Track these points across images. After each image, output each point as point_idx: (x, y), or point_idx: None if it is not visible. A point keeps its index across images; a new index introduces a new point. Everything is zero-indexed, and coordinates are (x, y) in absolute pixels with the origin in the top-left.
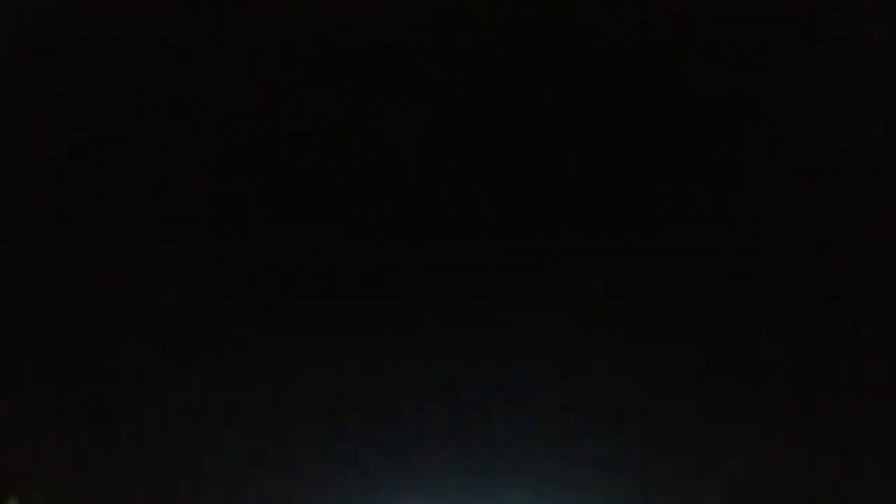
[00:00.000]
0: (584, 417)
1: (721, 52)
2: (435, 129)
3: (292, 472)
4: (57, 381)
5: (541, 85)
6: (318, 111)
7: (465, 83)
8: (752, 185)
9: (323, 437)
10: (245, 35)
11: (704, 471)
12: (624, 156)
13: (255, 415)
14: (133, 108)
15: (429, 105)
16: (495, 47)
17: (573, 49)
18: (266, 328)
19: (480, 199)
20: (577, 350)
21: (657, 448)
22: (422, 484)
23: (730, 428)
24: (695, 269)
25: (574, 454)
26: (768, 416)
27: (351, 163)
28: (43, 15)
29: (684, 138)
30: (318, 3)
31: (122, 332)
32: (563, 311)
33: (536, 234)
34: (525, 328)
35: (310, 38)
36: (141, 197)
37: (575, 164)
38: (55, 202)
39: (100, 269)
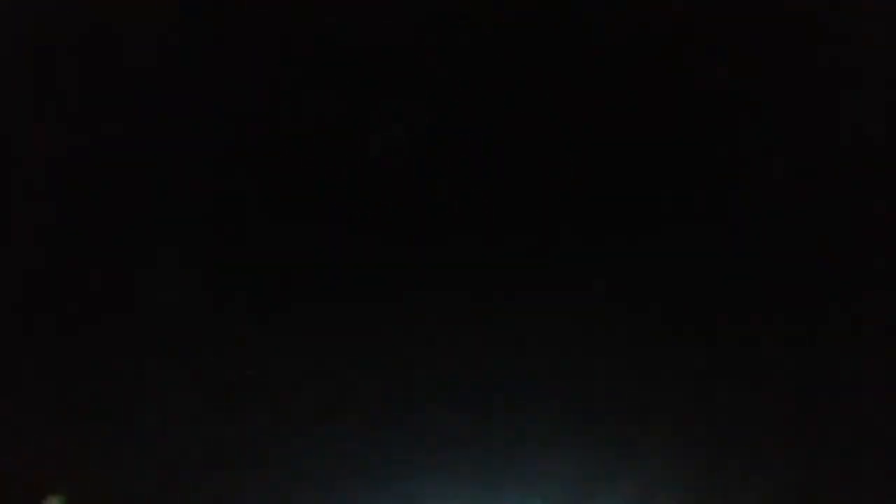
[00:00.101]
0: (584, 417)
1: (721, 52)
2: (435, 129)
3: (292, 472)
4: (57, 381)
5: (541, 85)
6: (318, 111)
7: (465, 83)
8: (752, 185)
9: (323, 437)
10: (245, 35)
11: (704, 471)
12: (624, 156)
13: (254, 415)
14: (133, 108)
15: (429, 105)
16: (495, 47)
17: (573, 49)
18: (266, 328)
19: (480, 199)
20: (577, 350)
21: (657, 448)
22: (422, 484)
23: (730, 428)
24: (695, 269)
25: (574, 454)
26: (768, 416)
27: (351, 163)
28: (43, 15)
29: (684, 138)
30: (318, 3)
31: (122, 332)
32: (563, 311)
33: (536, 234)
34: (525, 328)
35: (310, 38)
36: (141, 197)
37: (575, 165)
38: (55, 202)
39: (100, 269)
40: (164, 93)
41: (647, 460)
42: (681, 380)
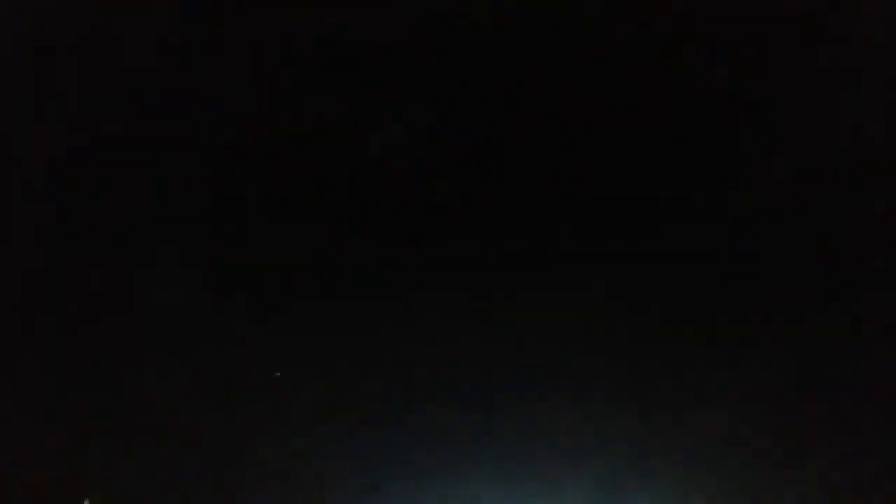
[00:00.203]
0: (584, 417)
1: (721, 52)
2: (435, 130)
3: (292, 471)
4: (57, 381)
5: (541, 85)
6: (318, 111)
7: (465, 84)
8: (752, 185)
9: (323, 436)
10: (245, 35)
11: (704, 470)
12: (624, 156)
13: (254, 414)
14: (133, 108)
15: (429, 105)
16: (495, 47)
17: (573, 49)
18: (266, 328)
19: (480, 199)
20: (577, 350)
21: (657, 448)
22: (422, 484)
23: (729, 428)
24: (695, 269)
25: (574, 454)
26: (768, 416)
27: (351, 163)
28: (43, 15)
29: (684, 138)
30: (318, 3)
31: (122, 332)
32: (563, 311)
33: (536, 234)
34: (525, 328)
35: (310, 38)
36: (141, 197)
37: (575, 165)
38: (55, 202)
39: (100, 269)
40: (164, 93)
41: (647, 460)
42: (681, 380)
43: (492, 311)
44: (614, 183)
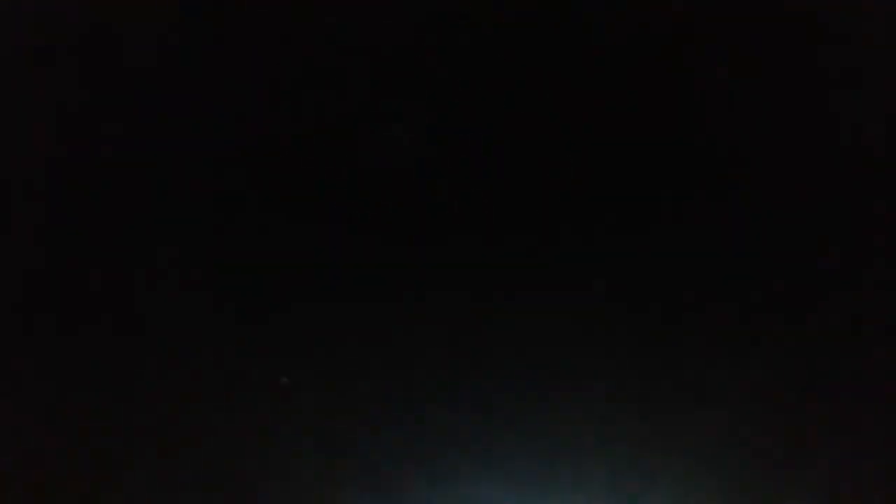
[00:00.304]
0: (584, 417)
1: (721, 52)
2: (435, 129)
3: (292, 472)
4: (57, 381)
5: (541, 85)
6: (318, 111)
7: (465, 83)
8: (752, 185)
9: (323, 436)
10: (245, 35)
11: (704, 470)
12: (624, 156)
13: (254, 415)
14: (133, 108)
15: (429, 105)
16: (495, 47)
17: (573, 49)
18: (266, 328)
19: (480, 199)
20: (577, 350)
21: (657, 448)
22: (422, 484)
23: (729, 428)
24: (695, 269)
25: (574, 454)
26: (768, 416)
27: (351, 163)
28: (43, 15)
29: (684, 138)
30: (318, 3)
31: (122, 332)
32: (563, 311)
33: (536, 234)
34: (525, 328)
35: (310, 38)
36: (141, 197)
37: (575, 165)
38: (55, 202)
39: (100, 269)
40: (164, 93)
41: (647, 460)
42: (681, 380)
43: (492, 311)
44: (614, 183)
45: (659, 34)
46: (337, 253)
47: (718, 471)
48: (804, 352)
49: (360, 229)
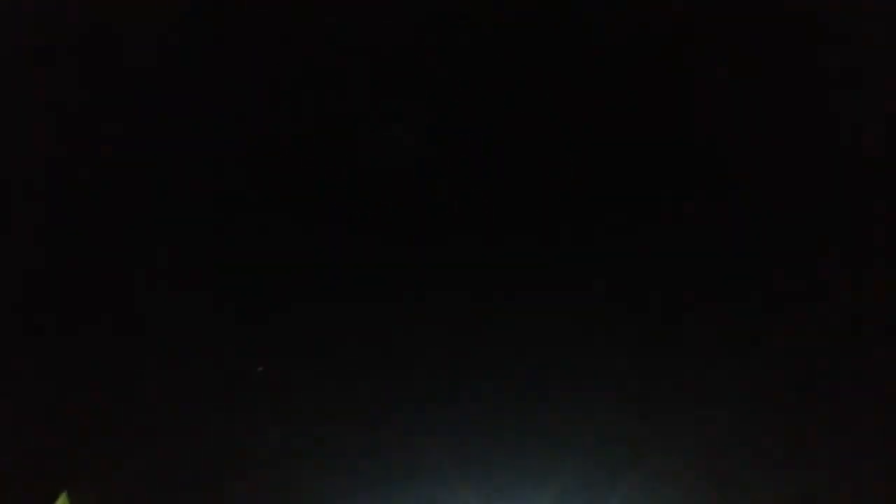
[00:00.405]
0: (584, 417)
1: (721, 52)
2: (435, 129)
3: (292, 472)
4: (57, 381)
5: (541, 85)
6: (319, 111)
7: (465, 83)
8: (752, 185)
9: (323, 436)
10: (245, 35)
11: (704, 470)
12: (624, 156)
13: (254, 415)
14: (133, 108)
15: (429, 105)
16: (495, 47)
17: (573, 49)
18: (266, 328)
19: (480, 199)
20: (577, 350)
21: (657, 447)
22: (422, 484)
23: (730, 428)
24: (695, 269)
25: (574, 454)
26: (768, 416)
27: (351, 163)
28: (43, 15)
29: (684, 138)
30: (318, 3)
31: (122, 332)
32: (563, 311)
33: (536, 234)
34: (525, 328)
35: (310, 38)
36: (141, 197)
37: (575, 164)
38: (55, 202)
39: (100, 269)
40: (164, 93)
41: (647, 460)
42: (681, 380)
43: (492, 311)
44: (614, 183)
45: (659, 34)
46: (337, 253)
47: (718, 471)
48: (804, 352)
49: (360, 229)
